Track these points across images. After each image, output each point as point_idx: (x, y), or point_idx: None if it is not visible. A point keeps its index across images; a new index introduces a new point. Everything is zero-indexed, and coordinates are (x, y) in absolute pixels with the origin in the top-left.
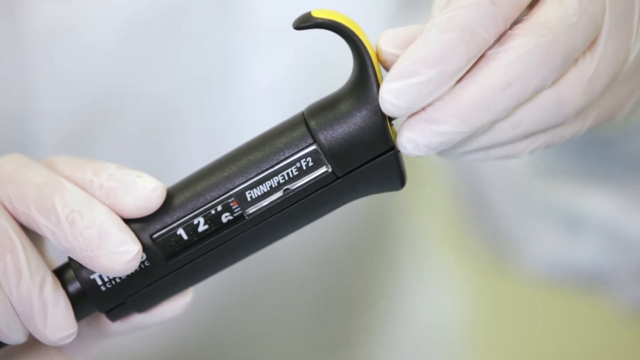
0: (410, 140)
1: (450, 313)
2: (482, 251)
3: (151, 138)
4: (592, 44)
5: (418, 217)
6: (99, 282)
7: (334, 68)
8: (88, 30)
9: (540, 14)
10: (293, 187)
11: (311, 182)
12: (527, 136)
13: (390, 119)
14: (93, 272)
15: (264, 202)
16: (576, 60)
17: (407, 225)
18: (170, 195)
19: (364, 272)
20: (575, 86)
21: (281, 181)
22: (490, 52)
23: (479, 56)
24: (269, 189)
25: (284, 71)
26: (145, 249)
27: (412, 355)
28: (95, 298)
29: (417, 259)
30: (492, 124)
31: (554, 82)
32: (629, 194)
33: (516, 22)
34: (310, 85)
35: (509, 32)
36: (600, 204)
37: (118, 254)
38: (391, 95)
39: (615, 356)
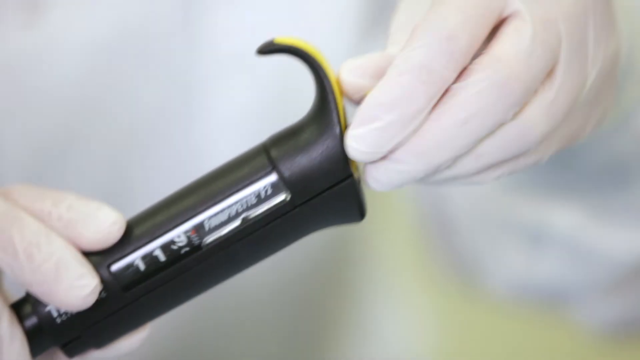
0: (373, 179)
1: (415, 339)
2: (446, 273)
3: (114, 166)
4: (550, 72)
5: (381, 240)
6: (55, 314)
7: (300, 97)
8: (51, 58)
9: (497, 47)
10: (251, 216)
11: (270, 211)
12: (490, 167)
13: (344, 141)
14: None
15: (222, 232)
16: (536, 90)
17: (370, 249)
18: (130, 227)
19: (327, 301)
20: (536, 115)
21: (239, 210)
22: (451, 87)
23: (440, 94)
24: (227, 217)
25: (248, 100)
26: (102, 280)
27: None
28: (52, 331)
29: (380, 285)
30: (454, 160)
31: (515, 114)
32: (592, 206)
33: (476, 55)
34: (276, 115)
35: (469, 66)
36: (564, 217)
37: (76, 288)
38: (354, 141)
39: None
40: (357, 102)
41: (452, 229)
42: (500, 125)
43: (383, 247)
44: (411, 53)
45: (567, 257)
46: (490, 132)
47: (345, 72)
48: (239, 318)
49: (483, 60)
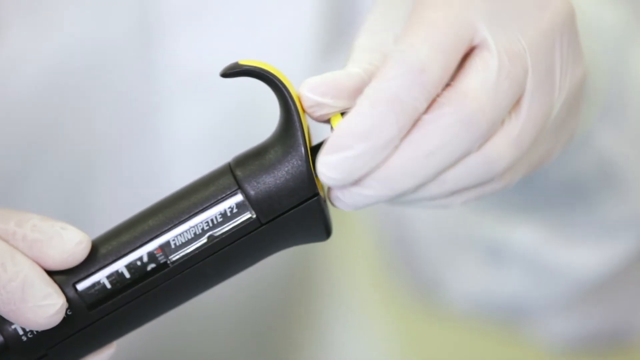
0: (337, 199)
1: (376, 355)
2: (406, 289)
3: (72, 189)
4: (516, 103)
5: (342, 255)
6: (20, 332)
7: (261, 119)
8: (7, 80)
9: (464, 81)
10: (217, 234)
11: (235, 229)
12: (455, 192)
13: (316, 166)
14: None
15: (187, 249)
16: (502, 121)
17: (331, 264)
18: (95, 246)
19: (287, 317)
20: (502, 147)
21: (205, 228)
22: (421, 118)
23: (411, 124)
24: (192, 235)
25: (208, 121)
26: (68, 299)
27: None
28: (18, 349)
29: (341, 300)
30: (418, 187)
31: (480, 145)
32: (552, 223)
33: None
34: (236, 136)
35: (438, 99)
36: (524, 234)
37: (42, 308)
38: (326, 169)
39: None
40: (318, 119)
41: (412, 244)
42: (465, 156)
43: (344, 262)
44: (384, 84)
45: (526, 273)
46: (456, 162)
47: (306, 90)
48: (201, 328)
49: (451, 94)
